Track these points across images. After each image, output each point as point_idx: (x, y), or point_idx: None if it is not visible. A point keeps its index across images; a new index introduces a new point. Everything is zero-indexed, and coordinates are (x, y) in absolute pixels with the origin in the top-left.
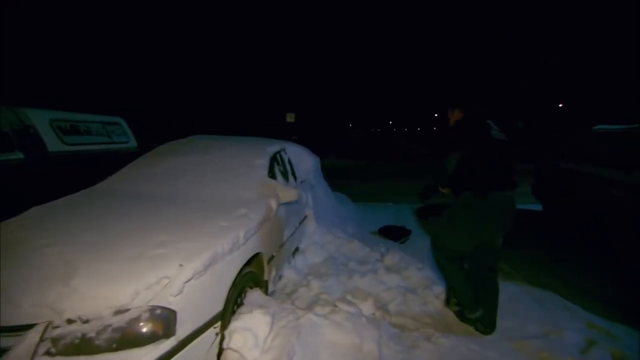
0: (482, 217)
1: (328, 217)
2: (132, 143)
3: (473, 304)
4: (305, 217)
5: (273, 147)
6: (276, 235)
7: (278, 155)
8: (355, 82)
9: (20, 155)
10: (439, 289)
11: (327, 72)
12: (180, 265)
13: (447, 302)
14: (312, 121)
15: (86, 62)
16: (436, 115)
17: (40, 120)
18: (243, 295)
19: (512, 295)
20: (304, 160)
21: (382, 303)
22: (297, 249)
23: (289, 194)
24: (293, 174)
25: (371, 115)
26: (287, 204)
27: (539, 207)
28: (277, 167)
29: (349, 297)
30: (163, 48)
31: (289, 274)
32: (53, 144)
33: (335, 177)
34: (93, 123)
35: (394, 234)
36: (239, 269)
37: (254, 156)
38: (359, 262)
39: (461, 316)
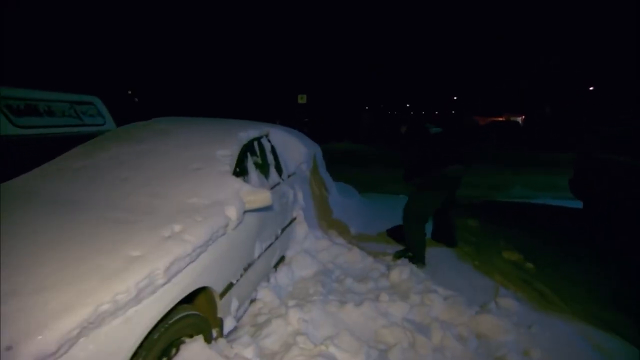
0: (442, 187)
1: (326, 216)
2: (109, 125)
3: (423, 259)
4: (294, 219)
5: (249, 132)
6: (239, 254)
7: (256, 144)
8: (371, 63)
9: None
10: (462, 328)
11: (342, 51)
12: (9, 348)
13: (398, 257)
14: (327, 103)
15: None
16: (455, 98)
17: None
18: (174, 351)
19: (559, 338)
20: (295, 148)
21: (379, 348)
22: (282, 259)
23: (259, 198)
24: (278, 166)
25: (389, 97)
26: (262, 209)
27: (578, 205)
28: (252, 159)
29: (334, 344)
30: (164, 22)
31: (266, 296)
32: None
33: (346, 163)
34: (58, 102)
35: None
36: (157, 318)
37: (218, 145)
38: (358, 278)
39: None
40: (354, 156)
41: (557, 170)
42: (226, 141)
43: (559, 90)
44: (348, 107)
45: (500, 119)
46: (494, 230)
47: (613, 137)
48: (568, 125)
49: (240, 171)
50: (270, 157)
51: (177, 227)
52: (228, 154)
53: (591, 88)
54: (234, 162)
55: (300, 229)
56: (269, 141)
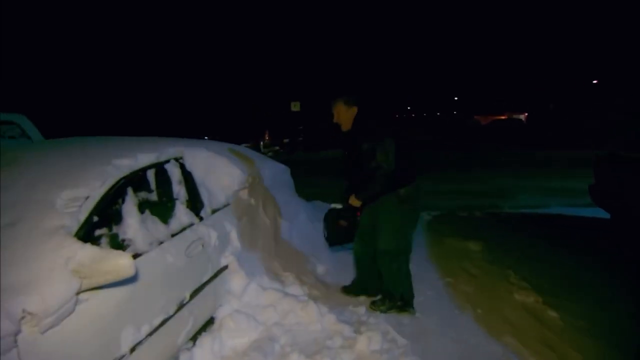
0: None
1: (281, 253)
2: None
3: (412, 302)
4: (224, 267)
5: (138, 158)
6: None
7: (151, 174)
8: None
9: None
10: None
11: (336, 55)
12: None
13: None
14: (322, 110)
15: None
16: (456, 98)
17: None
18: None
19: None
20: (231, 171)
21: None
22: (210, 322)
23: (108, 268)
24: (194, 200)
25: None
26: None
27: (602, 214)
28: (137, 197)
29: None
30: (148, 29)
31: None
32: None
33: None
34: None
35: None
36: None
37: (67, 183)
38: (310, 350)
39: (399, 308)
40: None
41: (568, 170)
42: (85, 175)
43: (562, 84)
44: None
45: (502, 117)
46: (500, 257)
47: None
48: (575, 121)
49: (100, 222)
50: (179, 190)
51: None
52: (80, 196)
53: (595, 81)
54: (88, 209)
55: (236, 279)
56: (182, 167)
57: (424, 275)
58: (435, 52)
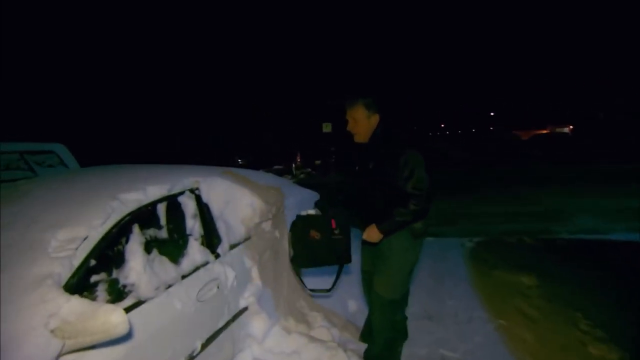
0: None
1: (304, 294)
2: None
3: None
4: (244, 309)
5: (148, 192)
6: None
7: (161, 208)
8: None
9: None
10: None
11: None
12: None
13: None
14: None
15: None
16: (492, 114)
17: None
18: None
19: None
20: (247, 203)
21: None
22: None
23: (95, 328)
24: (210, 235)
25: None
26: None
27: None
28: (145, 235)
29: None
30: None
31: None
32: None
33: None
34: (1, 154)
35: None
36: None
37: (65, 222)
38: None
39: None
40: None
41: (631, 187)
42: (85, 212)
43: (612, 89)
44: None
45: (544, 131)
46: (562, 295)
47: None
48: (631, 129)
49: (98, 266)
50: (193, 225)
51: None
52: (78, 236)
53: None
54: (85, 252)
55: (257, 322)
56: (197, 199)
57: (471, 315)
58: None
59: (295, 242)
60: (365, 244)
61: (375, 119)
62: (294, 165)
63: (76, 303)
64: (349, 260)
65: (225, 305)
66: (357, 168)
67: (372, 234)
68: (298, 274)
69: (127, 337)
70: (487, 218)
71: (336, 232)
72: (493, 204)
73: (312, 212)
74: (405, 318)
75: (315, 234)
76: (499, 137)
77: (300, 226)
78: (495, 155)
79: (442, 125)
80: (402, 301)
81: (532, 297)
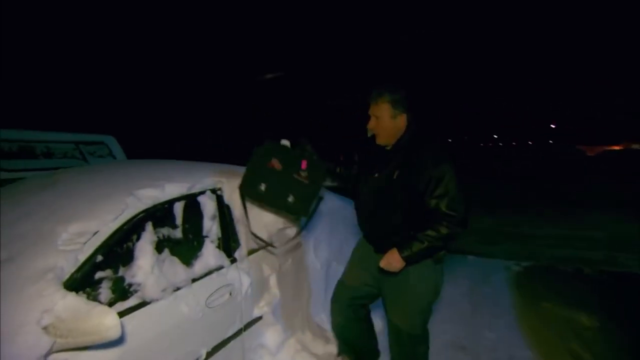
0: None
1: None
2: None
3: None
4: (258, 318)
5: (166, 189)
6: None
7: (179, 206)
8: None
9: None
10: None
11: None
12: None
13: None
14: None
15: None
16: (553, 126)
17: None
18: None
19: None
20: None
21: None
22: None
23: (88, 329)
24: (227, 237)
25: (473, 128)
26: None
27: None
28: (158, 233)
29: None
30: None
31: None
32: None
33: None
34: (60, 144)
35: None
36: None
37: (75, 215)
38: None
39: None
40: None
41: None
42: (100, 207)
43: None
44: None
45: (617, 147)
46: (631, 344)
47: None
48: None
49: (104, 262)
50: (210, 226)
51: None
52: (89, 230)
53: None
54: (92, 247)
55: (271, 333)
56: (219, 199)
57: (512, 353)
58: (527, 70)
59: (251, 165)
60: (364, 260)
61: (402, 119)
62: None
63: (72, 301)
64: (304, 213)
65: (237, 313)
66: (376, 175)
67: (393, 261)
68: (243, 204)
69: (126, 339)
70: (539, 240)
71: (303, 174)
72: (548, 225)
73: (286, 143)
74: (427, 348)
75: (276, 164)
76: (560, 152)
77: (264, 150)
78: (554, 171)
79: (495, 136)
80: (424, 334)
81: (590, 341)
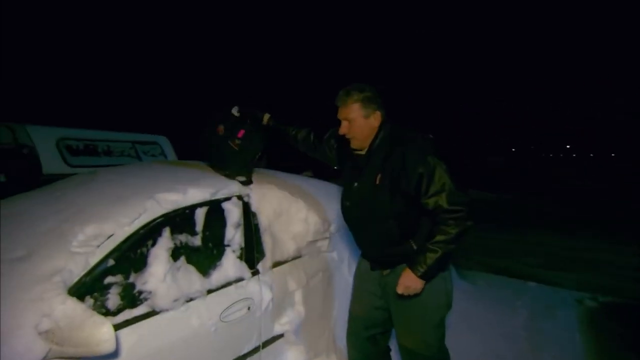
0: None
1: None
2: None
3: None
4: (280, 336)
5: (189, 193)
6: None
7: (200, 212)
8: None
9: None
10: None
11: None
12: None
13: None
14: (448, 142)
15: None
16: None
17: (43, 139)
18: None
19: None
20: (300, 218)
21: None
22: None
23: (81, 340)
24: (251, 247)
25: (542, 136)
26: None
27: None
28: (170, 242)
29: None
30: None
31: None
32: (52, 165)
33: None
34: (119, 142)
35: None
36: None
37: (91, 217)
38: None
39: None
40: (482, 209)
41: None
42: (118, 209)
43: None
44: (470, 147)
45: None
46: None
47: None
48: None
49: (115, 267)
50: (233, 235)
51: None
52: (104, 233)
53: None
54: (105, 250)
55: (292, 353)
56: (245, 206)
57: None
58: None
59: (208, 127)
60: (365, 280)
61: (376, 117)
62: None
63: (70, 307)
64: (232, 175)
65: (255, 330)
66: (356, 184)
67: (411, 283)
68: None
69: (129, 349)
70: (618, 270)
71: (237, 141)
72: (628, 251)
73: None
74: None
75: (220, 129)
76: None
77: (219, 115)
78: None
79: (568, 147)
80: (441, 355)
81: None
